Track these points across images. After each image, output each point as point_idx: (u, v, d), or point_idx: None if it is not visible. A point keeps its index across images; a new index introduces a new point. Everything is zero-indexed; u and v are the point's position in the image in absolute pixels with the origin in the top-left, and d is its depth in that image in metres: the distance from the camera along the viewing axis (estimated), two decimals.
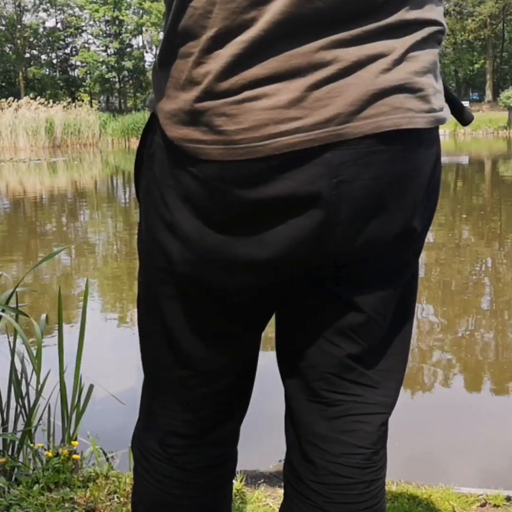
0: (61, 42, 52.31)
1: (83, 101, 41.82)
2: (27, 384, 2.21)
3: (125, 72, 48.59)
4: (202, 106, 0.81)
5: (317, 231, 0.83)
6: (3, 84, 50.96)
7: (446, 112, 0.88)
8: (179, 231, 0.88)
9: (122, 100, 51.51)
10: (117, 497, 1.94)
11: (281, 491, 1.94)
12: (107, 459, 2.31)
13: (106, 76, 48.05)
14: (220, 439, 1.04)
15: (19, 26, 49.74)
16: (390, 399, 0.99)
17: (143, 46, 51.72)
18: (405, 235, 0.89)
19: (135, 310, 1.05)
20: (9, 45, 50.74)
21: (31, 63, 51.12)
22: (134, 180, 0.98)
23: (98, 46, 50.70)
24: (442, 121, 0.86)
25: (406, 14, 0.81)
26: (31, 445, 2.19)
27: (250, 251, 0.85)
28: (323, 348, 0.93)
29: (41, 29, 51.54)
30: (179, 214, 0.87)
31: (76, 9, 52.04)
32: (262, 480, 2.13)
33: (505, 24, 51.06)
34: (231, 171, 0.81)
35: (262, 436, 2.41)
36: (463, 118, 0.99)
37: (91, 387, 2.27)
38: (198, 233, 0.86)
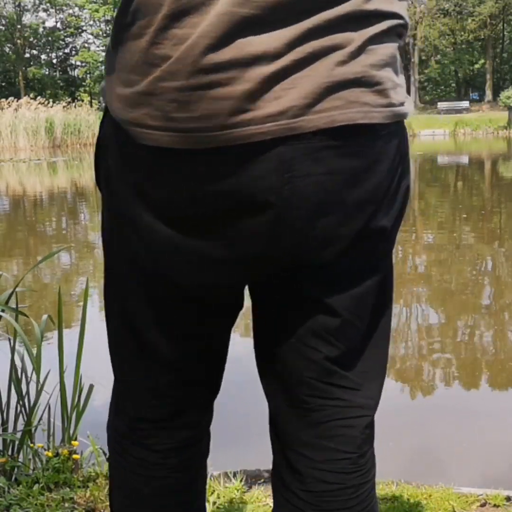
0: (61, 42, 52.34)
1: (83, 101, 41.84)
2: (27, 384, 2.21)
3: None
4: (153, 90, 0.78)
5: (272, 227, 0.81)
6: (3, 84, 50.97)
7: (408, 107, 0.86)
8: (134, 224, 0.86)
9: None
10: None
11: None
12: (107, 459, 2.31)
13: None
14: (189, 422, 1.03)
15: (19, 26, 49.75)
16: (373, 401, 0.96)
17: None
18: (370, 234, 0.87)
19: None
20: (9, 45, 50.75)
21: (31, 63, 51.14)
22: (94, 170, 0.95)
23: (98, 46, 50.75)
24: (402, 116, 0.84)
25: (366, 4, 0.79)
26: (31, 445, 2.19)
27: (202, 247, 0.84)
28: (301, 352, 0.91)
29: (41, 29, 51.56)
30: (133, 206, 0.85)
31: (76, 9, 52.09)
32: (262, 480, 2.13)
33: (505, 24, 51.05)
34: (181, 161, 0.79)
35: (262, 436, 2.41)
36: None
37: (91, 387, 2.27)
38: (152, 227, 0.84)
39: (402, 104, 0.85)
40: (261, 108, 0.76)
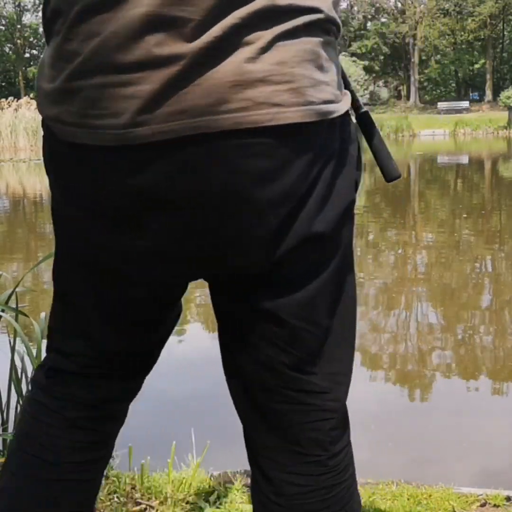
0: None
1: None
2: (27, 384, 2.21)
3: None
4: (70, 86, 0.80)
5: (182, 226, 0.81)
6: (3, 84, 51.02)
7: (336, 105, 0.83)
8: (64, 217, 0.91)
9: None
10: (117, 497, 1.94)
11: None
12: None
13: None
14: (100, 386, 1.01)
15: (19, 26, 49.78)
16: (340, 403, 0.95)
17: None
18: (302, 238, 0.84)
19: None
20: (9, 45, 50.78)
21: (31, 63, 51.16)
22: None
23: None
24: (324, 114, 0.81)
25: (279, 0, 0.77)
26: None
27: (124, 242, 0.85)
28: (258, 360, 0.91)
29: (41, 29, 51.51)
30: (61, 200, 0.90)
31: None
32: None
33: (505, 24, 51.07)
34: (95, 157, 0.80)
35: None
36: (385, 172, 0.92)
37: None
38: (76, 220, 0.88)
39: (326, 102, 0.81)
40: (165, 107, 0.76)
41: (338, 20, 0.85)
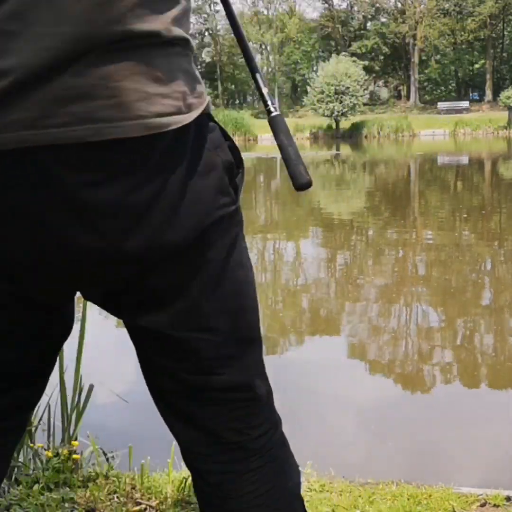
0: None
1: None
2: None
3: None
4: None
5: (15, 240, 0.81)
6: None
7: (179, 117, 0.81)
8: None
9: None
10: (117, 497, 1.94)
11: None
12: (107, 459, 2.31)
13: None
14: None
15: None
16: (252, 393, 0.96)
17: None
18: (159, 251, 0.83)
19: None
20: None
21: None
22: None
23: None
24: (156, 127, 0.79)
25: (109, 28, 0.76)
26: (31, 445, 2.19)
27: None
28: (164, 372, 0.93)
29: None
30: None
31: None
32: None
33: (505, 24, 51.09)
34: None
35: None
36: (292, 179, 0.92)
37: (91, 387, 2.28)
38: None
39: (162, 114, 0.79)
40: None
41: (184, 34, 0.83)
